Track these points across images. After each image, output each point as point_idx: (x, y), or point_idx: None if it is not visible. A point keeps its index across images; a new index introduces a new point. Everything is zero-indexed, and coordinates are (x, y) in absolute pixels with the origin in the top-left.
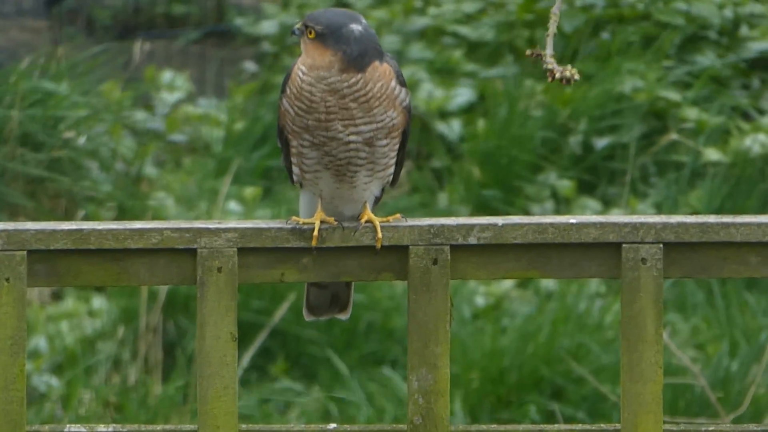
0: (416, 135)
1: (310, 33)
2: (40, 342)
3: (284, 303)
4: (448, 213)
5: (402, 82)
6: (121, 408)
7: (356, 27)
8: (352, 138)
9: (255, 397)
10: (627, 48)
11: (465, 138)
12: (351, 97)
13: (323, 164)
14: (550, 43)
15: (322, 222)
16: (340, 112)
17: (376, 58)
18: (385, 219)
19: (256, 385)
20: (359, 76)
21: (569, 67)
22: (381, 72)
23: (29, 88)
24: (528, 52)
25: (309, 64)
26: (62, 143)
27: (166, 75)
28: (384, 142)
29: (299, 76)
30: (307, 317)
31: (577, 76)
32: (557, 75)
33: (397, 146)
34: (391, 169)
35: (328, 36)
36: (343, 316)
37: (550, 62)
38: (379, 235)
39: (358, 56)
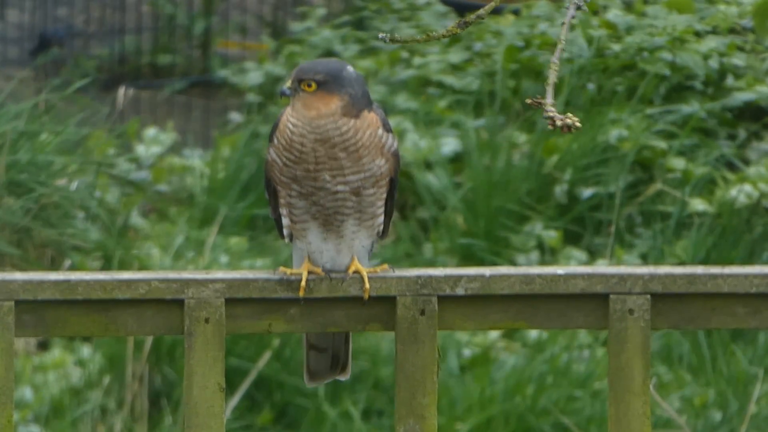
0: (402, 185)
1: (309, 86)
2: (26, 392)
3: (268, 350)
4: (433, 263)
5: (388, 129)
6: None
7: (351, 69)
8: (340, 188)
9: None
10: (612, 97)
11: (450, 188)
12: (341, 146)
13: (311, 214)
14: (550, 91)
15: (309, 272)
16: (329, 162)
17: (366, 105)
18: (372, 270)
19: None
20: (352, 122)
21: (569, 114)
22: (369, 120)
23: (14, 134)
24: (528, 100)
25: (310, 116)
26: (51, 191)
27: (150, 131)
28: (371, 191)
29: (289, 128)
30: (309, 383)
31: (578, 124)
32: (558, 123)
33: (384, 195)
34: (380, 219)
35: (331, 83)
36: (344, 377)
37: (551, 111)
38: (367, 285)
39: (361, 97)
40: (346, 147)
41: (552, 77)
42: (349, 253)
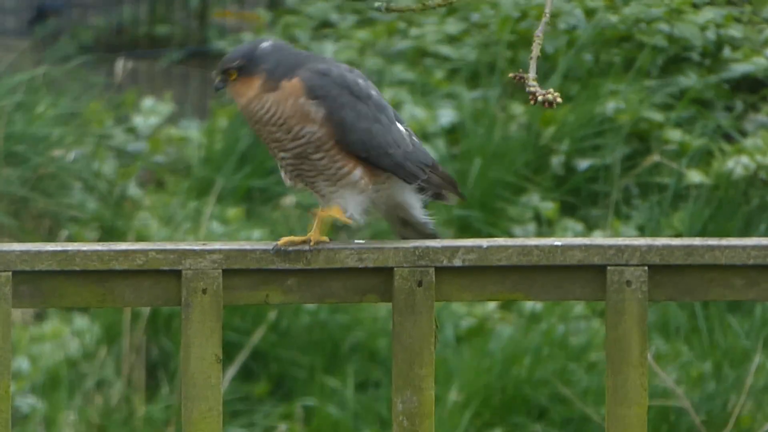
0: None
1: (231, 75)
2: (22, 363)
3: (264, 323)
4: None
5: (317, 95)
6: (105, 429)
7: (265, 44)
8: (284, 155)
9: (240, 422)
10: (609, 69)
11: (447, 159)
12: (270, 122)
13: (294, 175)
14: (533, 65)
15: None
16: (270, 136)
17: (285, 74)
18: (326, 212)
19: (238, 404)
20: (271, 96)
21: (551, 90)
22: (290, 89)
23: (12, 105)
24: (511, 75)
25: (243, 104)
26: (48, 161)
27: (147, 101)
28: (318, 155)
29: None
30: None
31: (559, 99)
32: (539, 98)
33: (337, 157)
34: (355, 176)
35: (248, 65)
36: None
37: (533, 85)
38: (313, 223)
39: (277, 67)
40: (273, 122)
41: (535, 51)
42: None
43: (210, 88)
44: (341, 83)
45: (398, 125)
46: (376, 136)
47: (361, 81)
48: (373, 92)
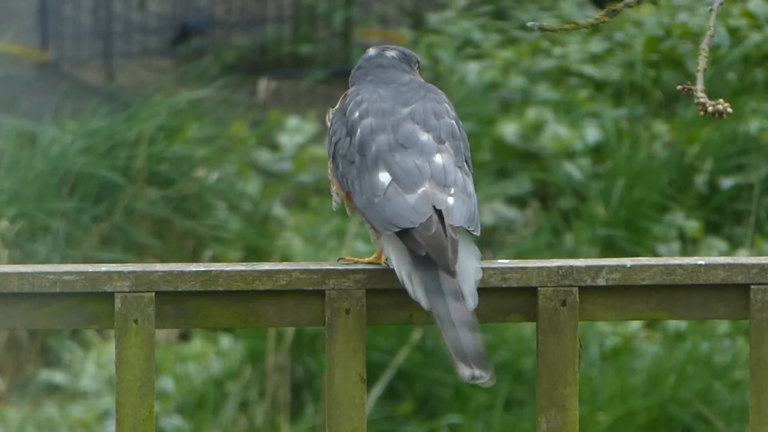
0: (542, 175)
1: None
2: (167, 383)
3: (409, 342)
4: (574, 254)
5: (331, 119)
6: None
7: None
8: None
9: None
10: (752, 87)
11: (591, 178)
12: None
13: None
14: (700, 77)
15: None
16: None
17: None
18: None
19: (383, 424)
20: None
21: (721, 101)
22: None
23: (156, 126)
24: (679, 87)
25: None
26: (191, 181)
27: (292, 120)
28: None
29: None
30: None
31: (729, 110)
32: (710, 109)
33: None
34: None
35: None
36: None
37: (702, 96)
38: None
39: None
40: None
41: (702, 63)
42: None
43: None
44: (343, 112)
45: (379, 174)
46: (346, 175)
47: (367, 121)
48: (365, 134)
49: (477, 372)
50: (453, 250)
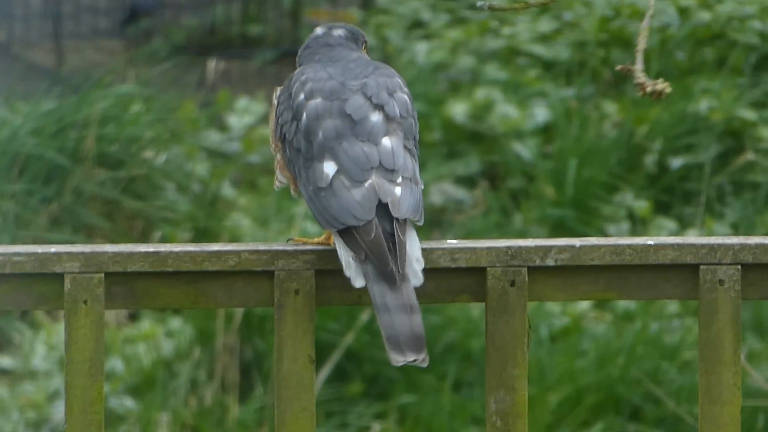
0: (491, 156)
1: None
2: (117, 364)
3: (357, 323)
4: (523, 234)
5: (279, 95)
6: (198, 430)
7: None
8: None
9: (333, 422)
10: (702, 67)
11: (540, 158)
12: None
13: None
14: (640, 58)
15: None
16: None
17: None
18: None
19: (332, 404)
20: None
21: (660, 80)
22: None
23: (105, 107)
24: (619, 67)
25: None
26: (139, 163)
27: (241, 101)
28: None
29: None
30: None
31: (668, 89)
32: (648, 89)
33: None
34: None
35: None
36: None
37: (641, 77)
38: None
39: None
40: None
41: (642, 43)
42: None
43: None
44: (289, 93)
45: (325, 164)
46: (293, 161)
47: (313, 103)
48: (311, 119)
49: (410, 357)
50: (399, 257)
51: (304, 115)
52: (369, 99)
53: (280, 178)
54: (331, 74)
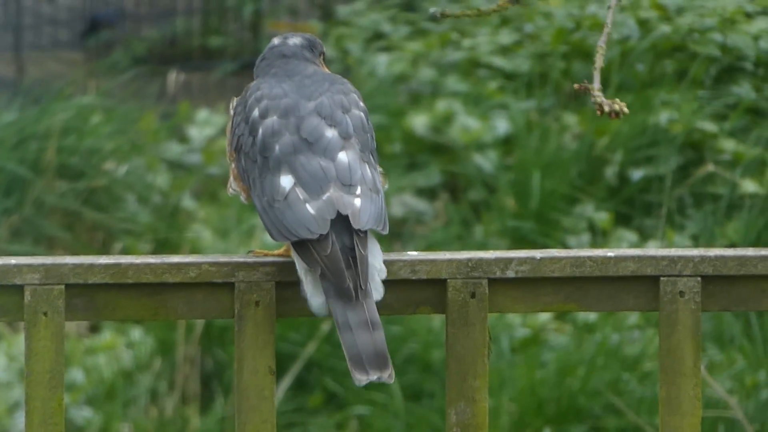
0: (452, 167)
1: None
2: (77, 375)
3: (318, 334)
4: (484, 246)
5: (235, 107)
6: None
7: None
8: None
9: None
10: (662, 79)
11: (500, 170)
12: None
13: None
14: (597, 76)
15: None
16: None
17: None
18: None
19: (293, 415)
20: None
21: (617, 100)
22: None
23: (66, 119)
24: (576, 85)
25: None
26: (100, 175)
27: (201, 113)
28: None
29: None
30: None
31: (626, 110)
32: (606, 108)
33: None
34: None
35: None
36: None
37: (598, 95)
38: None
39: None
40: None
41: (599, 61)
42: None
43: None
44: (244, 106)
45: (282, 178)
46: (248, 171)
47: (269, 121)
48: (266, 136)
49: (374, 376)
50: (361, 272)
51: (260, 132)
52: (323, 120)
53: (234, 186)
54: (286, 91)
